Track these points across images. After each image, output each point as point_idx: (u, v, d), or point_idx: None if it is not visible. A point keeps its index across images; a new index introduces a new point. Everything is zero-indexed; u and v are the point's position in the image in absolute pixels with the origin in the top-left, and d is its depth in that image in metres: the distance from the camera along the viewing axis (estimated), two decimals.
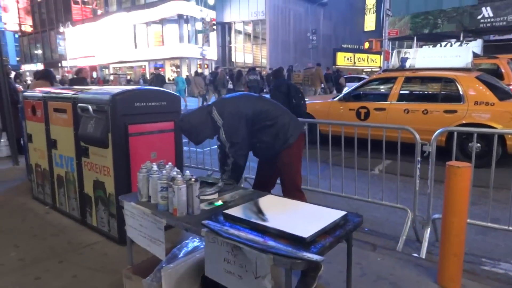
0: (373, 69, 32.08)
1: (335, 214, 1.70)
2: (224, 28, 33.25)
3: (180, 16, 29.13)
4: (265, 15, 30.67)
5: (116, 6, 33.22)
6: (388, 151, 3.46)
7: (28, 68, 42.33)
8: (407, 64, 6.52)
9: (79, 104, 3.04)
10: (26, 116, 4.07)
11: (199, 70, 22.76)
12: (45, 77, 5.95)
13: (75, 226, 3.39)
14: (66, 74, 30.90)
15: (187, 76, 20.21)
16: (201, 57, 27.21)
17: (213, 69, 26.83)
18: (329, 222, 1.60)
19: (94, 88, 3.68)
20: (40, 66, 41.44)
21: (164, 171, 1.90)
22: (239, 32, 33.25)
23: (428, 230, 3.05)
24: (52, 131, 3.62)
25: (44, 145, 3.76)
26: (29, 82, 19.09)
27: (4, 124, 6.06)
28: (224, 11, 32.42)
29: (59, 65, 37.69)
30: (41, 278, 2.52)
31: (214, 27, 28.21)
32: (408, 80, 6.28)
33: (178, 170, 1.95)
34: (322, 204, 4.02)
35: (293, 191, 2.48)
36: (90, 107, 2.94)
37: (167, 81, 21.20)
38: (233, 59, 33.54)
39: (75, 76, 11.65)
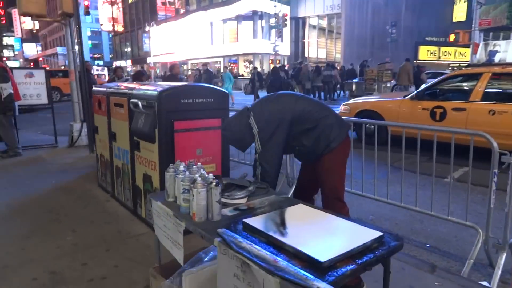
0: (461, 64, 29.00)
1: (368, 235, 1.46)
2: (298, 23, 32.84)
3: (254, 13, 29.51)
4: (341, 8, 29.53)
5: (196, 5, 34.84)
6: (466, 156, 2.97)
7: (119, 64, 46.68)
8: (496, 58, 5.68)
9: (131, 100, 3.14)
10: (94, 109, 4.37)
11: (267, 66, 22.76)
12: (135, 78, 6.49)
13: (127, 216, 3.55)
14: (150, 70, 33.35)
15: (259, 71, 20.24)
16: (274, 52, 27.29)
17: (284, 64, 26.77)
18: (357, 244, 1.37)
19: (151, 84, 3.80)
20: (129, 63, 45.42)
21: (187, 172, 1.83)
22: (313, 26, 32.56)
23: (504, 256, 2.57)
24: (112, 124, 3.82)
25: (107, 137, 3.99)
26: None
27: (85, 115, 6.67)
28: (299, 6, 31.99)
29: (146, 61, 40.81)
30: (87, 264, 2.65)
31: (287, 22, 28.02)
32: (496, 76, 5.46)
33: (204, 172, 1.86)
34: (376, 214, 3.71)
35: (333, 201, 2.25)
36: (140, 102, 3.02)
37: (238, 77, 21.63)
38: (306, 54, 33.02)
39: (168, 73, 12.44)
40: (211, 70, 19.93)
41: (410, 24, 33.15)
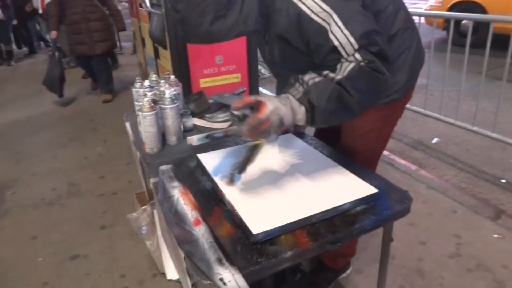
0: None
1: (357, 192, 0.97)
2: None
3: None
4: None
5: None
6: None
7: None
8: None
9: None
10: (130, 12, 4.06)
11: None
12: None
13: None
14: None
15: None
16: None
17: None
18: (325, 207, 0.91)
19: None
20: None
21: (152, 87, 1.46)
22: None
23: None
24: (142, 28, 3.50)
25: (140, 43, 3.73)
26: None
27: None
28: None
29: None
30: (104, 178, 2.64)
31: None
32: None
33: (173, 89, 1.45)
34: (444, 136, 2.99)
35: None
36: (147, 0, 2.58)
37: None
38: None
39: None
40: None
41: None
